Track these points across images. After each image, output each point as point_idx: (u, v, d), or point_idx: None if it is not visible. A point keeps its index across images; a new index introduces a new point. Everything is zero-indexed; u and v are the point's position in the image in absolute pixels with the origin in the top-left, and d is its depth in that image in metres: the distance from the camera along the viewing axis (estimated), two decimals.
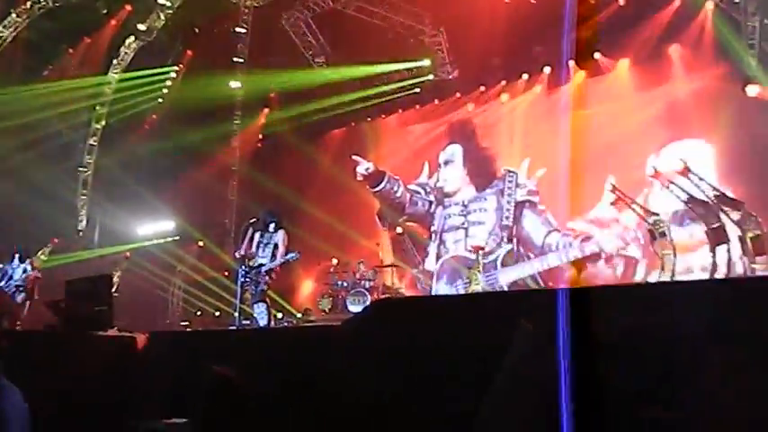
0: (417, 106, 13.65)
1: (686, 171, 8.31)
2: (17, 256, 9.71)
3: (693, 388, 2.19)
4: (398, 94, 13.69)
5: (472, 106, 12.69)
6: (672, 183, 8.45)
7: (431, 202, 12.37)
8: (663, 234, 8.42)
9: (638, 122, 10.57)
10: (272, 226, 7.93)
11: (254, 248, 7.95)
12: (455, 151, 12.20)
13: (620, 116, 10.73)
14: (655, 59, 10.46)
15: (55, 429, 2.40)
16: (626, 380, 2.28)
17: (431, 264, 12.02)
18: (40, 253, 11.15)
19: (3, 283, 9.54)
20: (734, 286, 2.89)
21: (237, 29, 13.39)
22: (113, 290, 8.70)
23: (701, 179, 8.14)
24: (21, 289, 9.42)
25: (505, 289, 10.37)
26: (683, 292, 2.58)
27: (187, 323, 12.38)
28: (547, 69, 11.73)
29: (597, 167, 10.04)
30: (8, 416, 2.07)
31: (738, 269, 7.43)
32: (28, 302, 9.37)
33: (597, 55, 11.08)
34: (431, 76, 13.10)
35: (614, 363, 2.29)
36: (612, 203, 9.30)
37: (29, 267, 9.65)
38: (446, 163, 12.19)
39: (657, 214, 8.67)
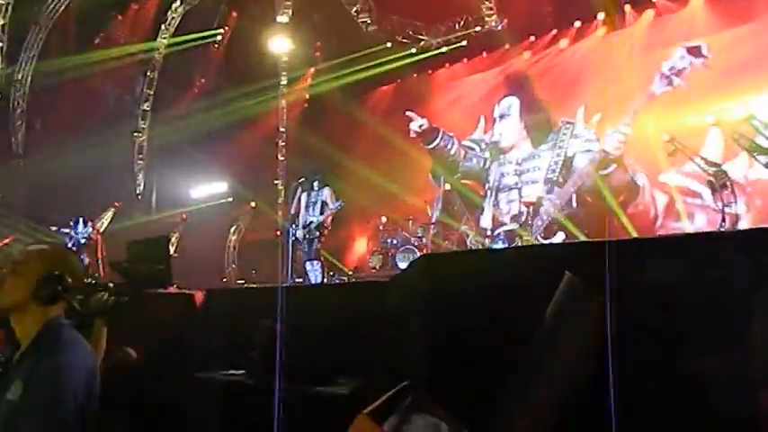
0: (465, 59, 13.33)
1: (750, 117, 7.87)
2: (81, 219, 10.20)
3: (742, 341, 2.12)
4: (444, 48, 13.39)
5: (528, 54, 12.27)
6: (738, 132, 8.03)
7: (485, 159, 12.10)
8: (724, 186, 8.05)
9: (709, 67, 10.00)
10: (316, 184, 8.02)
11: (302, 208, 8.09)
12: (512, 104, 11.70)
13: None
14: None
15: (115, 382, 2.51)
16: (672, 331, 2.23)
17: (486, 221, 11.90)
18: (102, 216, 11.66)
19: (70, 245, 10.08)
20: None
21: None
22: (172, 250, 9.07)
23: (766, 125, 7.69)
24: (86, 250, 9.92)
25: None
26: (736, 242, 2.47)
27: (243, 281, 12.79)
28: (600, 15, 11.22)
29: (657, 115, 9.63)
30: (70, 372, 2.13)
31: None
32: (93, 262, 9.88)
33: None
34: (477, 28, 12.72)
35: (660, 314, 2.24)
36: (670, 155, 8.91)
37: (92, 230, 10.13)
38: (501, 117, 11.76)
39: (719, 165, 8.28)
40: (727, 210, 7.68)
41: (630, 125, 9.21)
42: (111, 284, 3.25)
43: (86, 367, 2.16)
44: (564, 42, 11.70)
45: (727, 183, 8.07)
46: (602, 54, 11.21)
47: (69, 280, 2.27)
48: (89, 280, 3.69)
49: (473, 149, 12.15)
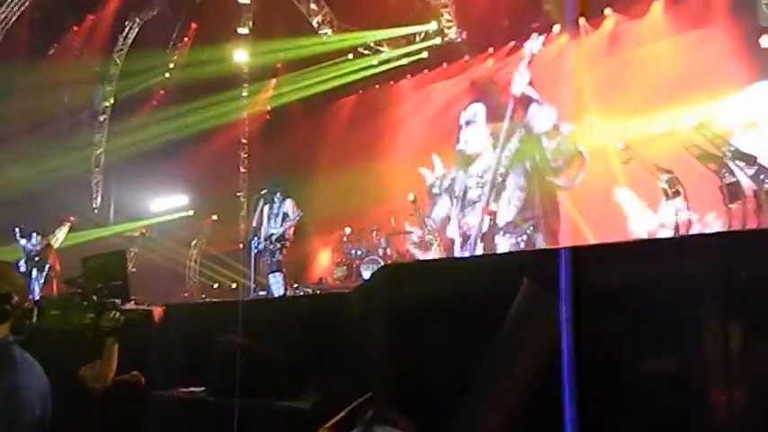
0: (426, 70, 13.49)
1: (701, 127, 8.16)
2: (35, 234, 9.88)
3: (697, 344, 2.18)
4: (405, 60, 13.53)
5: (491, 62, 12.46)
6: (686, 139, 8.31)
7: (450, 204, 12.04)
8: (677, 193, 8.31)
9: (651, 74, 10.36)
10: (278, 196, 7.97)
11: (264, 220, 8.02)
12: (477, 110, 11.74)
13: (644, 64, 10.53)
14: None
15: (71, 403, 2.45)
16: (629, 336, 2.28)
17: (452, 231, 12.01)
18: (57, 231, 11.31)
19: (23, 261, 9.74)
20: (743, 238, 2.85)
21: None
22: (130, 266, 8.85)
23: (715, 134, 7.99)
24: (40, 266, 9.60)
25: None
26: (691, 247, 2.55)
27: (204, 296, 12.57)
28: (556, 28, 11.52)
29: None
30: (26, 391, 2.10)
31: (753, 225, 7.34)
32: (47, 278, 9.56)
33: (608, 11, 10.86)
34: (438, 40, 12.89)
35: (616, 320, 2.28)
36: (624, 162, 9.16)
37: (44, 244, 9.83)
38: (467, 123, 11.78)
39: (671, 172, 8.54)
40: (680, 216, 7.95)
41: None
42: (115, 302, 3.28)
43: (40, 385, 2.16)
44: (525, 50, 11.93)
45: (680, 189, 8.36)
46: (562, 62, 11.49)
47: (16, 298, 2.22)
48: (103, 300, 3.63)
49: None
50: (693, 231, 8.17)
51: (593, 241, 9.81)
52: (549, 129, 9.74)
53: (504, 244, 10.00)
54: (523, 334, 2.26)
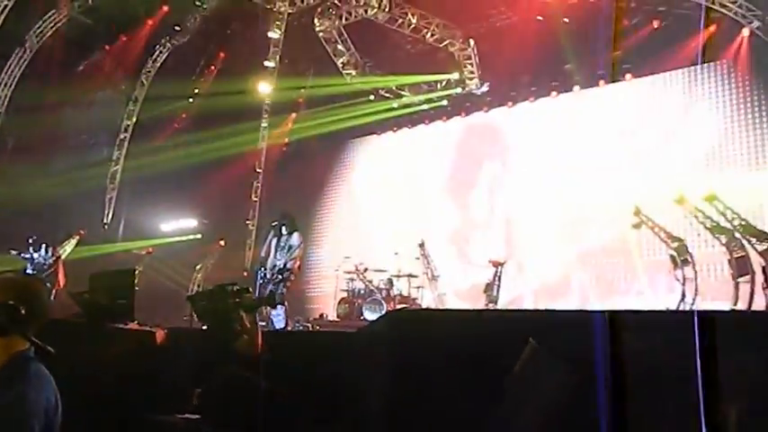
0: (444, 118, 13.72)
1: (713, 198, 8.21)
2: (44, 245, 9.93)
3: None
4: (425, 106, 13.77)
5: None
6: (697, 209, 8.36)
7: None
8: (685, 261, 8.30)
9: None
10: (285, 229, 8.01)
11: (271, 252, 8.05)
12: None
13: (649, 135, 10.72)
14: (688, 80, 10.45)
15: (70, 419, 2.44)
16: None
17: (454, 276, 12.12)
18: (65, 243, 11.36)
19: (29, 270, 9.76)
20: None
21: (270, 33, 13.56)
22: (135, 284, 8.85)
23: (726, 207, 8.03)
24: (48, 277, 9.62)
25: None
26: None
27: None
28: (576, 88, 11.76)
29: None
30: (31, 405, 2.10)
31: (760, 301, 7.30)
32: (53, 291, 9.56)
33: (628, 76, 11.08)
34: (458, 89, 13.13)
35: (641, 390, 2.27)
36: (634, 226, 9.19)
37: (52, 257, 9.86)
38: None
39: (682, 240, 8.55)
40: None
41: None
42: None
43: (48, 399, 2.14)
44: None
45: (689, 258, 8.34)
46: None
47: (23, 311, 2.20)
48: None
49: None
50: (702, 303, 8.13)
51: None
52: None
53: None
54: (525, 394, 2.26)
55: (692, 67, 10.30)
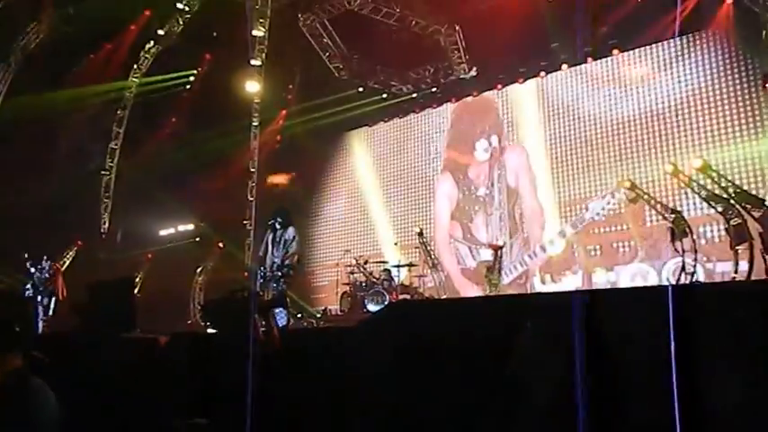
0: (434, 105, 13.68)
1: (706, 167, 8.19)
2: (44, 258, 9.94)
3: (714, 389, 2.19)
4: (414, 95, 13.74)
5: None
6: (691, 179, 8.34)
7: None
8: (684, 233, 8.28)
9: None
10: (279, 224, 7.97)
11: (269, 249, 8.02)
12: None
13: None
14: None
15: (77, 430, 2.46)
16: (632, 382, 2.28)
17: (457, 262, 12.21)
18: (64, 255, 11.38)
19: (29, 285, 9.78)
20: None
21: (255, 32, 13.48)
22: (136, 291, 8.87)
23: (720, 176, 8.01)
24: (48, 290, 9.63)
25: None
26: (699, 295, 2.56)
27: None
28: (564, 66, 11.74)
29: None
30: (38, 417, 2.11)
31: (761, 266, 7.31)
32: (54, 303, 9.58)
33: (615, 51, 11.06)
34: (447, 76, 13.08)
35: (620, 365, 2.29)
36: (631, 201, 9.18)
37: (53, 269, 9.87)
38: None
39: (679, 211, 8.53)
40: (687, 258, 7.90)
41: None
42: None
43: (50, 416, 2.15)
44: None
45: (687, 229, 8.31)
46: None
47: (17, 329, 2.21)
48: None
49: None
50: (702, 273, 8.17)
51: None
52: None
53: None
54: (530, 376, 2.28)
55: (678, 38, 10.26)
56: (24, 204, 11.60)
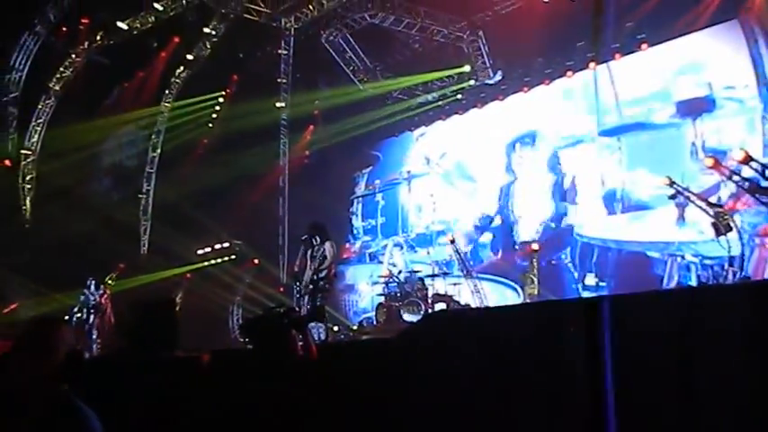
0: (460, 112, 13.64)
1: (747, 158, 7.91)
2: (93, 282, 10.25)
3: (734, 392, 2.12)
4: (440, 102, 13.73)
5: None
6: (733, 172, 8.07)
7: None
8: (729, 228, 7.98)
9: None
10: (316, 239, 8.01)
11: (306, 264, 8.07)
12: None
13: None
14: None
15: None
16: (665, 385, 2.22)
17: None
18: (108, 278, 11.67)
19: (77, 308, 10.08)
20: None
21: (280, 51, 13.71)
22: (176, 312, 9.01)
23: (764, 166, 7.73)
24: (99, 313, 9.92)
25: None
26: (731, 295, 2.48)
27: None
28: (591, 65, 11.53)
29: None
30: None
31: None
32: (104, 328, 9.85)
33: (644, 46, 10.85)
34: (472, 82, 13.04)
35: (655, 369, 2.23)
36: (671, 197, 8.93)
37: (100, 292, 10.16)
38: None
39: (721, 206, 8.25)
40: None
41: None
42: None
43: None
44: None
45: (731, 224, 7.99)
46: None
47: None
48: None
49: None
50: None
51: None
52: None
53: None
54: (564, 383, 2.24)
55: (708, 29, 9.99)
56: (67, 231, 11.95)
